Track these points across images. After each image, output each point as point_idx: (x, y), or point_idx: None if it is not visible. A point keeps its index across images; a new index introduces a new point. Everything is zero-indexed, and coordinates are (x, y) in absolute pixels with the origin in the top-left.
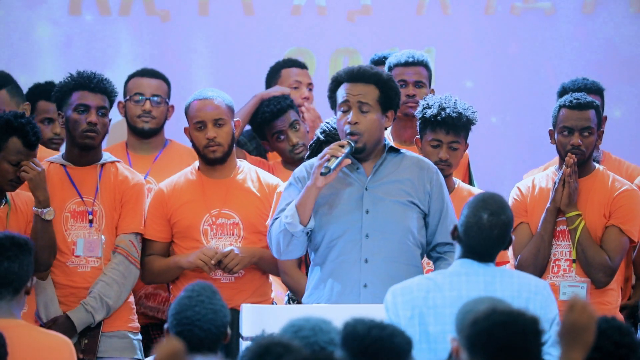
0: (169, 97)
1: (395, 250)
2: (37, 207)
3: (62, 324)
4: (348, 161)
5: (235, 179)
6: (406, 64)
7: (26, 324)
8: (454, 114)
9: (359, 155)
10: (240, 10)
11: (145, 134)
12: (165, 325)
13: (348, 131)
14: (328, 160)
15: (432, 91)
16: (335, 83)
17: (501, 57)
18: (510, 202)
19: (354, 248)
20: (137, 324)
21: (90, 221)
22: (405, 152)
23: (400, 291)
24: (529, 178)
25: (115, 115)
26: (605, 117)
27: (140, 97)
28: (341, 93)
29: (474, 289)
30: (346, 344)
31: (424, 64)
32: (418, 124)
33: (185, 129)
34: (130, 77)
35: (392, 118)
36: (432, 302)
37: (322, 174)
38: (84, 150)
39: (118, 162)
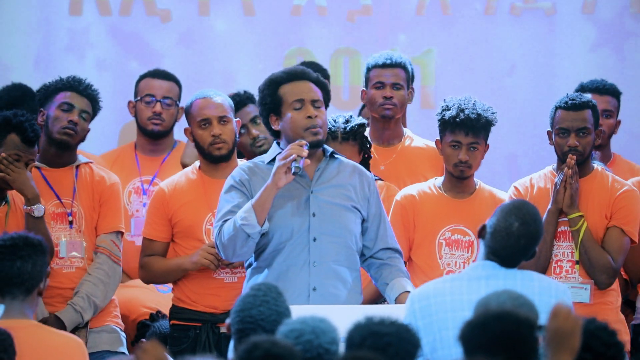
0: (179, 99)
1: (342, 253)
2: (27, 204)
3: (52, 325)
4: (308, 161)
5: None
6: (384, 65)
7: (38, 325)
8: (473, 115)
9: (312, 150)
10: (241, 11)
11: (155, 136)
12: (227, 321)
13: (308, 125)
14: (295, 160)
15: (411, 92)
16: (274, 85)
17: (501, 57)
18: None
19: (302, 251)
20: (120, 320)
21: (70, 222)
22: (341, 157)
23: (417, 297)
24: (526, 177)
25: (126, 116)
26: (619, 121)
27: (151, 99)
28: (289, 92)
29: None
30: (347, 349)
31: (402, 66)
32: (438, 125)
33: (186, 130)
34: (142, 77)
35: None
36: (451, 305)
37: (294, 173)
38: (60, 150)
39: (91, 162)
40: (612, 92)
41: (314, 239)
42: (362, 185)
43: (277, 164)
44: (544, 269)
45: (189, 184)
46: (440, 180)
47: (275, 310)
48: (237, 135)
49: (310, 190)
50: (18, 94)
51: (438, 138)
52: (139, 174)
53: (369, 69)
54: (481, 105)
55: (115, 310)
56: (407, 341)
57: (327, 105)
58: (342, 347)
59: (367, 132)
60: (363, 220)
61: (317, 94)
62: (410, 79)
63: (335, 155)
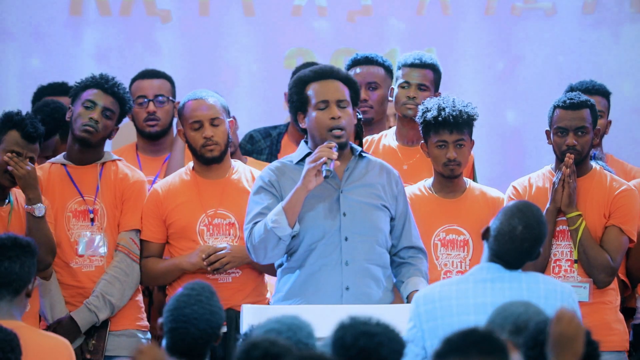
0: (174, 95)
1: (374, 252)
2: (28, 204)
3: (66, 325)
4: (339, 163)
5: (230, 179)
6: (412, 65)
7: (26, 326)
8: (454, 112)
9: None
10: (241, 11)
11: (154, 137)
12: (160, 320)
13: (331, 126)
14: (325, 162)
15: (438, 94)
16: (302, 83)
17: (502, 57)
18: (506, 201)
19: (334, 251)
20: (145, 323)
21: (92, 220)
22: (369, 156)
23: (422, 300)
24: (525, 177)
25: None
26: (610, 122)
27: (144, 100)
28: (315, 91)
29: (499, 296)
30: (335, 350)
31: (431, 67)
32: (420, 128)
33: (179, 131)
34: (133, 80)
35: (355, 116)
36: (457, 310)
37: (325, 177)
38: (82, 147)
39: (119, 160)
40: (602, 92)
41: (346, 239)
42: (390, 184)
43: (306, 166)
44: (542, 268)
45: (182, 185)
46: (430, 181)
47: (209, 309)
48: (230, 136)
49: (340, 190)
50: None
51: (422, 142)
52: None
53: (399, 67)
54: (460, 101)
55: (139, 312)
56: (396, 341)
57: (355, 104)
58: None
59: (393, 130)
60: (391, 219)
61: (344, 93)
62: (438, 81)
63: (363, 154)
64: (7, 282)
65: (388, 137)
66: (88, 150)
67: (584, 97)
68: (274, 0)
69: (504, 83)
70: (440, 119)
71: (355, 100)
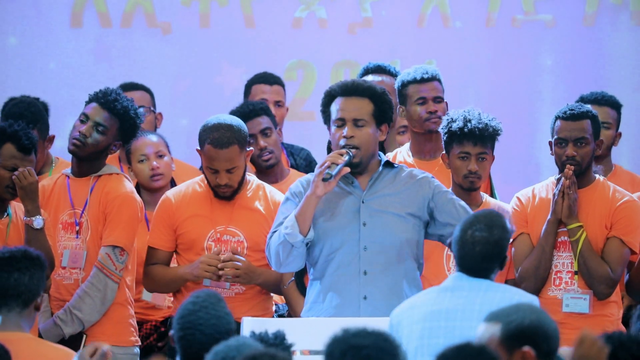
0: (154, 106)
1: (394, 262)
2: (27, 216)
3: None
4: (347, 169)
5: (243, 196)
6: (422, 80)
7: (33, 338)
8: (480, 125)
9: (354, 169)
10: (242, 23)
11: None
12: (170, 332)
13: (345, 145)
14: (329, 167)
15: (446, 104)
16: (329, 97)
17: (502, 69)
18: (510, 212)
19: (352, 260)
20: (133, 338)
21: (77, 232)
22: (402, 166)
23: (395, 313)
24: (529, 188)
25: None
26: (620, 134)
27: None
28: (335, 107)
29: (455, 303)
30: None
31: (437, 79)
32: (443, 139)
33: (198, 150)
34: None
35: (385, 132)
36: (417, 317)
37: (324, 179)
38: (77, 160)
39: (118, 174)
40: (612, 103)
41: (365, 248)
42: (420, 189)
43: (315, 172)
44: (543, 280)
45: (195, 197)
46: None
47: (215, 314)
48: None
49: (362, 200)
50: (36, 109)
51: (444, 152)
52: None
53: (404, 85)
54: (486, 115)
55: (124, 328)
56: (386, 351)
57: (385, 121)
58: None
59: (406, 147)
60: (429, 220)
61: (363, 112)
62: (444, 91)
63: (395, 165)
64: (16, 294)
65: (403, 153)
66: (81, 162)
67: (585, 107)
68: (274, 12)
69: (504, 94)
70: (465, 130)
71: (383, 117)
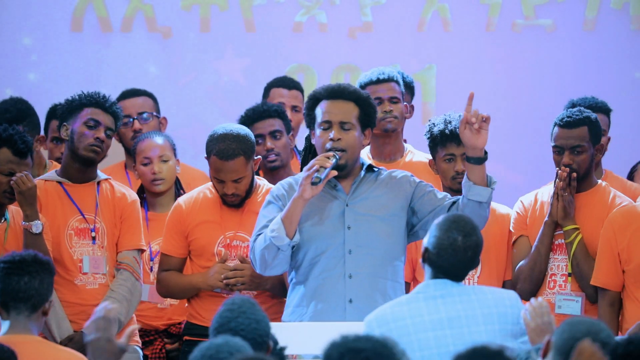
0: (157, 111)
1: (379, 265)
2: (25, 220)
3: (78, 342)
4: (335, 172)
5: (254, 201)
6: (378, 81)
7: (42, 340)
8: None
9: (339, 172)
10: (242, 27)
11: None
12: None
13: (329, 148)
14: (317, 170)
15: (407, 106)
16: (314, 100)
17: (502, 74)
18: (513, 215)
19: (337, 264)
20: (137, 338)
21: (93, 238)
22: (382, 169)
23: (376, 323)
24: (532, 192)
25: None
26: (609, 138)
27: (128, 120)
28: (321, 110)
29: (452, 310)
30: None
31: (394, 80)
32: (428, 144)
33: (206, 158)
34: None
35: (369, 136)
36: (413, 328)
37: (312, 183)
38: (84, 166)
39: (110, 179)
40: (602, 109)
41: (350, 252)
42: (400, 189)
43: (302, 174)
44: (538, 281)
45: (205, 203)
46: None
47: (254, 319)
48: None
49: (346, 203)
50: (23, 107)
51: (431, 158)
52: None
53: (362, 87)
54: None
55: (135, 328)
56: (384, 356)
57: (369, 125)
58: None
59: (367, 149)
60: (410, 217)
61: (349, 115)
62: (403, 93)
63: (375, 169)
64: (26, 297)
65: (362, 156)
66: (88, 169)
67: (584, 113)
68: (274, 17)
69: (504, 99)
70: (447, 132)
71: (368, 121)
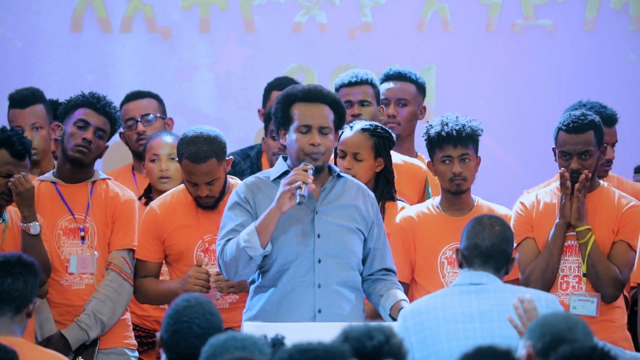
0: (163, 112)
1: (346, 275)
2: (23, 222)
3: (57, 343)
4: (314, 186)
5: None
6: (350, 84)
7: (26, 342)
8: (458, 127)
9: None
10: (242, 28)
11: None
12: (158, 334)
13: (310, 152)
14: (299, 187)
15: (382, 109)
16: (288, 101)
17: (502, 74)
18: (513, 217)
19: (307, 273)
20: (134, 341)
21: (82, 238)
22: (347, 176)
23: (410, 314)
24: (532, 193)
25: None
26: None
27: (132, 122)
28: (299, 113)
29: (485, 304)
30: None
31: (369, 83)
32: (426, 147)
33: (177, 161)
34: (120, 105)
35: (337, 139)
36: (443, 320)
37: (298, 203)
38: (74, 166)
39: (109, 179)
40: (611, 121)
41: (319, 261)
42: (366, 207)
43: (281, 188)
44: (550, 283)
45: (180, 207)
46: (437, 199)
47: (209, 310)
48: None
49: (316, 211)
50: (39, 93)
51: (429, 160)
52: (138, 194)
53: (336, 89)
54: (464, 117)
55: (127, 330)
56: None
57: (339, 128)
58: None
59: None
60: (365, 241)
61: (328, 119)
62: (378, 95)
63: (342, 175)
64: (9, 299)
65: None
66: (79, 169)
67: (589, 117)
68: (274, 17)
69: (504, 99)
70: (443, 133)
71: (339, 124)
